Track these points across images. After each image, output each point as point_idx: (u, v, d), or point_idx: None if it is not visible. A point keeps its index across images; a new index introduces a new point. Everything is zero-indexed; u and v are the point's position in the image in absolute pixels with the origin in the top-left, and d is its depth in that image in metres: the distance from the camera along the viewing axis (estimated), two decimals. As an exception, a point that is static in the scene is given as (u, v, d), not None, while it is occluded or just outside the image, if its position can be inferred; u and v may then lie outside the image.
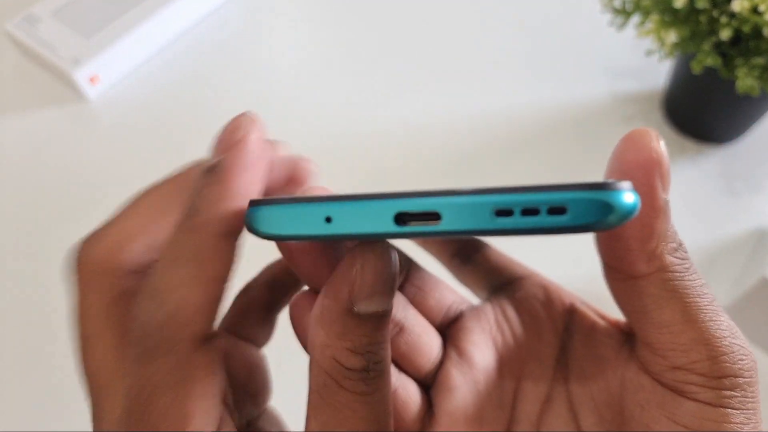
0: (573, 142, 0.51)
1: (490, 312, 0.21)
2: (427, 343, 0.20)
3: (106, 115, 0.56)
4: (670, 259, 0.15)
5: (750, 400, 0.16)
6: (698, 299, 0.15)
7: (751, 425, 0.15)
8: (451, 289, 0.22)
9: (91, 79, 0.55)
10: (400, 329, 0.20)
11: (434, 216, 0.13)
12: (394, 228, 0.14)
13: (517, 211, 0.13)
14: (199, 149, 0.57)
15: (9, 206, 0.50)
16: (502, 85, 0.55)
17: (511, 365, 0.21)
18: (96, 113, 0.56)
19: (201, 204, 0.16)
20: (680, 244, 0.16)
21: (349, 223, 0.14)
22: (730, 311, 0.40)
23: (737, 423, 0.15)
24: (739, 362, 0.16)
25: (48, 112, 0.56)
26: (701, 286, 0.16)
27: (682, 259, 0.16)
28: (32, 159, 0.53)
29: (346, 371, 0.15)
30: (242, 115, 0.17)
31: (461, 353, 0.20)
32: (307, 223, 0.14)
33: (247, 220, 0.15)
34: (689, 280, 0.15)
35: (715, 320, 0.16)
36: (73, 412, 0.40)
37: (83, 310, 0.17)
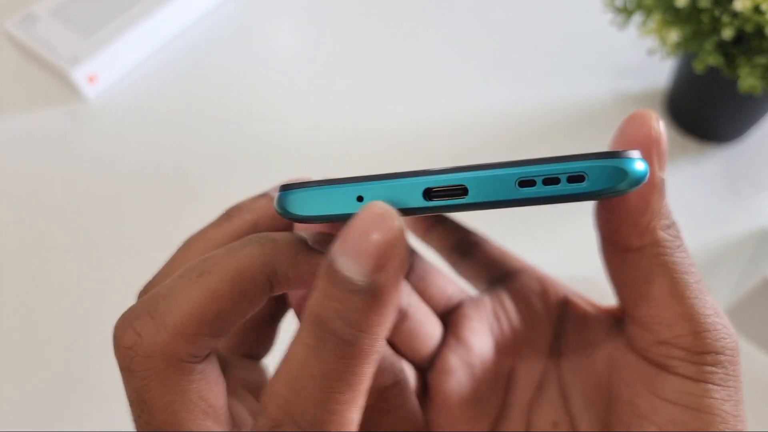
0: (575, 141, 0.51)
1: (488, 302, 0.22)
2: (429, 329, 0.21)
3: (104, 115, 0.56)
4: (661, 234, 0.16)
5: (731, 378, 0.16)
6: (686, 276, 0.16)
7: (731, 403, 0.16)
8: (451, 279, 0.23)
9: (90, 79, 0.55)
10: (404, 315, 0.20)
11: (461, 190, 0.14)
12: (423, 203, 0.14)
13: (539, 181, 0.14)
14: (198, 149, 0.57)
15: (7, 206, 0.50)
16: (504, 83, 0.55)
17: (506, 352, 0.22)
18: (95, 112, 0.56)
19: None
20: (673, 223, 0.16)
21: (381, 200, 0.15)
22: (731, 311, 0.40)
23: (718, 398, 0.16)
24: (722, 340, 0.16)
25: (47, 112, 0.56)
26: (690, 264, 0.16)
27: (674, 236, 0.16)
28: (31, 158, 0.53)
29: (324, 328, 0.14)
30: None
31: (459, 339, 0.21)
32: (340, 202, 0.15)
33: (279, 203, 0.16)
34: (678, 257, 0.16)
35: (701, 298, 0.16)
36: (74, 412, 0.40)
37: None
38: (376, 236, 0.12)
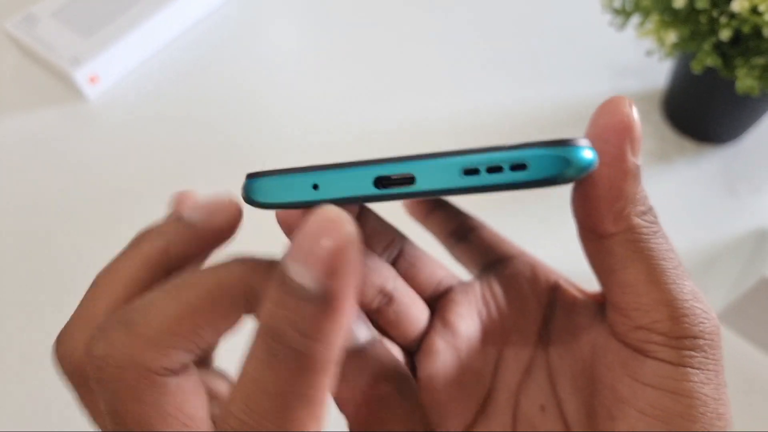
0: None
1: (477, 287, 0.22)
2: (415, 313, 0.21)
3: (105, 115, 0.56)
4: (636, 220, 0.16)
5: (711, 361, 0.16)
6: (663, 262, 0.16)
7: (711, 386, 0.16)
8: (441, 265, 0.23)
9: (91, 79, 0.55)
10: (390, 299, 0.21)
11: (410, 178, 0.14)
12: (374, 191, 0.15)
13: (482, 169, 0.14)
14: (198, 149, 0.57)
15: (9, 206, 0.50)
16: (503, 84, 0.55)
17: (494, 337, 0.22)
18: (95, 113, 0.56)
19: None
20: (650, 209, 0.16)
21: (334, 188, 0.15)
22: (730, 311, 0.40)
23: (697, 382, 0.16)
24: (700, 324, 0.16)
25: (48, 112, 0.56)
26: (667, 250, 0.16)
27: (650, 222, 0.16)
28: (32, 159, 0.53)
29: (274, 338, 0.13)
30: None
31: (446, 323, 0.21)
32: (297, 190, 0.16)
33: (244, 191, 0.16)
34: (655, 243, 0.16)
35: (678, 283, 0.16)
36: (73, 412, 0.40)
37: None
38: (326, 241, 0.12)
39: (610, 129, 0.15)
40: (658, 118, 0.52)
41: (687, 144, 0.50)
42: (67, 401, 0.41)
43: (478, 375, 0.21)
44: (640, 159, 0.16)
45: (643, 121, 0.52)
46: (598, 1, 0.47)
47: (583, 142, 0.14)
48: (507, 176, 0.14)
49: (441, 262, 0.23)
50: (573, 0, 0.61)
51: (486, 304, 0.22)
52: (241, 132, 0.54)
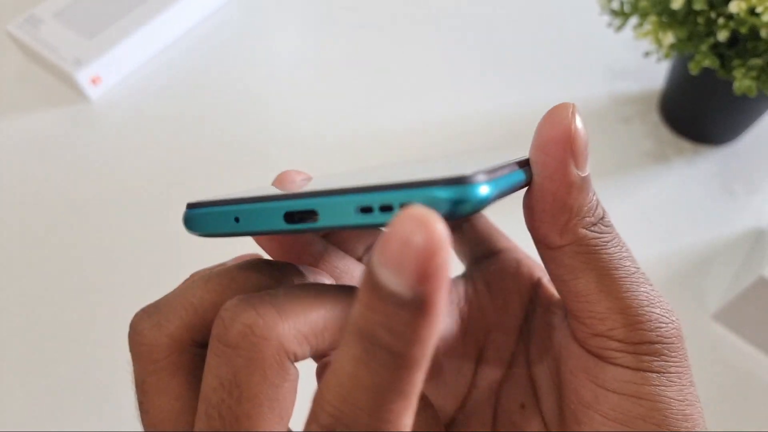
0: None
1: (460, 286, 0.22)
2: None
3: (108, 116, 0.56)
4: (583, 232, 0.16)
5: (672, 364, 0.16)
6: (614, 272, 0.16)
7: (674, 388, 0.16)
8: None
9: (93, 80, 0.56)
10: None
11: (314, 214, 0.14)
12: (285, 226, 0.15)
13: (376, 207, 0.14)
14: (200, 149, 0.57)
15: (11, 207, 0.50)
16: (501, 85, 0.56)
17: (475, 335, 0.22)
18: (98, 114, 0.56)
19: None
20: (600, 218, 0.16)
21: (251, 222, 0.16)
22: (727, 310, 0.40)
23: (658, 385, 0.16)
24: (657, 329, 0.16)
25: (50, 113, 0.56)
26: (620, 258, 0.16)
27: (600, 233, 0.16)
28: (34, 160, 0.53)
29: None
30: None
31: None
32: (223, 222, 0.16)
33: (183, 220, 0.17)
34: (606, 253, 0.16)
35: (632, 290, 0.16)
36: (73, 412, 0.40)
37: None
38: (417, 245, 0.11)
39: (552, 142, 0.15)
40: (655, 119, 0.52)
41: (684, 145, 0.50)
42: (68, 401, 0.41)
43: (458, 374, 0.21)
44: (588, 169, 0.15)
45: (641, 122, 0.52)
46: (596, 3, 0.47)
47: (480, 178, 0.13)
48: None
49: None
50: (571, 2, 0.62)
51: (468, 301, 0.22)
52: (242, 132, 0.54)
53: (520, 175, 0.15)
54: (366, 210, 0.14)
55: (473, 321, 0.22)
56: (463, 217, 0.13)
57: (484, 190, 0.13)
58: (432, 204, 0.13)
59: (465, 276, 0.23)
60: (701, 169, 0.49)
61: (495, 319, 0.22)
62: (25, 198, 0.51)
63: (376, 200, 0.14)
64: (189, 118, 0.56)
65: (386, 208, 0.13)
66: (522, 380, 0.21)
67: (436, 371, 0.21)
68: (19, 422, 0.40)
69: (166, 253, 0.47)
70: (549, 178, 0.15)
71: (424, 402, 0.18)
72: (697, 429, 0.16)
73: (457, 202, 0.13)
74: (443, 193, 0.13)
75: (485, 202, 0.13)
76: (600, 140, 0.51)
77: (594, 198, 0.16)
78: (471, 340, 0.22)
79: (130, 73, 0.59)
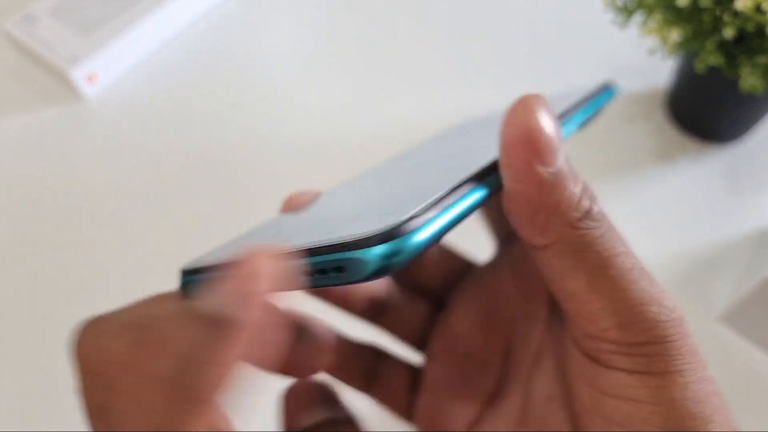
0: (575, 141, 0.51)
1: (485, 276, 0.22)
2: (412, 319, 0.22)
3: (104, 114, 0.56)
4: (566, 230, 0.15)
5: (674, 363, 0.15)
6: (605, 270, 0.15)
7: (676, 388, 0.15)
8: (450, 254, 0.23)
9: (89, 78, 0.55)
10: (382, 310, 0.21)
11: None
12: None
13: (313, 270, 0.13)
14: (197, 147, 0.57)
15: (6, 206, 0.50)
16: (505, 83, 0.55)
17: (500, 326, 0.21)
18: (94, 112, 0.56)
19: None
20: (586, 212, 0.15)
21: None
22: (733, 311, 0.40)
23: (656, 387, 0.15)
24: (653, 330, 0.15)
25: (46, 111, 0.56)
26: (613, 256, 0.15)
27: (586, 228, 0.15)
28: (30, 158, 0.53)
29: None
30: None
31: (448, 321, 0.21)
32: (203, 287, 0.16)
33: (180, 286, 0.17)
34: (594, 251, 0.15)
35: (626, 289, 0.15)
36: (75, 412, 0.40)
37: None
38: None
39: (512, 144, 0.14)
40: (660, 117, 0.52)
41: (690, 143, 0.50)
42: (68, 401, 0.41)
43: (484, 368, 0.21)
44: (559, 163, 0.14)
45: (646, 121, 0.52)
46: (600, 0, 0.47)
47: (413, 225, 0.12)
48: (332, 279, 0.13)
49: (450, 247, 0.23)
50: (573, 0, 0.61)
51: (493, 292, 0.21)
52: (240, 130, 0.54)
53: (479, 191, 0.14)
54: (310, 274, 0.13)
55: (499, 313, 0.21)
56: (402, 266, 0.12)
57: (422, 235, 0.12)
58: (363, 267, 0.12)
59: (490, 262, 0.22)
60: (706, 168, 0.49)
61: (520, 308, 0.21)
62: (21, 197, 0.51)
63: (310, 264, 0.13)
64: (186, 115, 0.55)
65: (319, 272, 0.13)
66: (551, 371, 0.20)
67: (459, 368, 0.21)
68: (19, 422, 0.40)
69: (162, 252, 0.47)
70: (516, 181, 0.14)
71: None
72: (709, 427, 0.15)
73: (389, 256, 0.12)
74: (373, 253, 0.12)
75: (422, 248, 0.12)
76: (604, 138, 0.51)
77: (576, 191, 0.15)
78: (497, 333, 0.21)
79: (127, 71, 0.58)
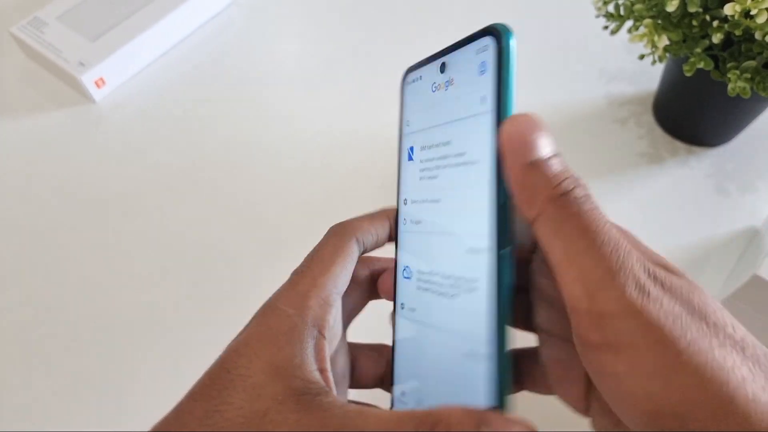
0: (567, 144, 0.51)
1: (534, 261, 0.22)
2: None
3: (111, 118, 0.56)
4: (547, 205, 0.17)
5: (645, 333, 0.15)
6: (579, 240, 0.16)
7: (648, 360, 0.15)
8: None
9: (97, 82, 0.56)
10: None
11: None
12: None
13: None
14: (203, 150, 0.58)
15: (17, 206, 0.51)
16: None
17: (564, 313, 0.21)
18: (102, 115, 0.57)
19: None
20: (567, 192, 0.17)
21: None
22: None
23: (622, 362, 0.16)
24: (620, 299, 0.15)
25: (54, 115, 0.57)
26: (587, 231, 0.16)
27: (564, 204, 0.17)
28: (39, 161, 0.54)
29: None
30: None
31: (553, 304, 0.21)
32: None
33: None
34: (570, 224, 0.16)
35: (598, 259, 0.16)
36: (73, 412, 0.41)
37: None
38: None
39: (506, 143, 0.18)
40: (650, 121, 0.53)
41: (679, 145, 0.51)
42: (68, 401, 0.41)
43: (569, 364, 0.20)
44: (546, 149, 0.18)
45: (636, 124, 0.53)
46: (592, 7, 0.47)
47: None
48: None
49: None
50: (567, 6, 0.62)
51: (543, 276, 0.22)
52: (245, 133, 0.54)
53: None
54: None
55: (555, 300, 0.20)
56: None
57: None
58: None
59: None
60: (695, 169, 0.50)
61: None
62: (31, 198, 0.51)
63: None
64: (192, 118, 0.56)
65: None
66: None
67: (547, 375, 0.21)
68: (19, 422, 0.40)
69: (169, 253, 0.47)
70: (509, 167, 0.18)
71: None
72: (704, 383, 0.15)
73: None
74: None
75: None
76: (595, 141, 0.52)
77: (560, 173, 0.17)
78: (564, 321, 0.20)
79: (134, 75, 0.59)
